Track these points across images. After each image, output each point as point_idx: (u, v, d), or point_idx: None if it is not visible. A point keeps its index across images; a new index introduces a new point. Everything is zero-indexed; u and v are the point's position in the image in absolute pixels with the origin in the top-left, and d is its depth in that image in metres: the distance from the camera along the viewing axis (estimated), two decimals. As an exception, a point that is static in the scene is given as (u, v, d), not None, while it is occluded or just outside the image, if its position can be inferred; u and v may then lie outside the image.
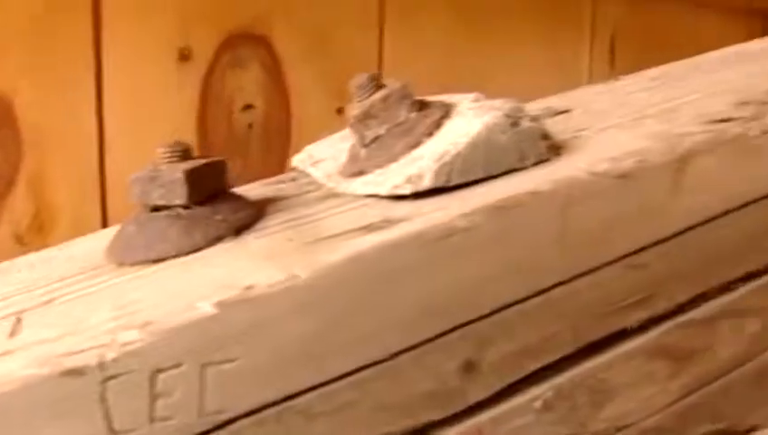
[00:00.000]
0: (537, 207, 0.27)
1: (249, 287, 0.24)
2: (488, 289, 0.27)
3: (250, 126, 0.59)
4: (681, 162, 0.30)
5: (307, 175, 0.38)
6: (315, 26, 0.60)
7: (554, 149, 0.32)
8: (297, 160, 0.40)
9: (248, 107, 0.58)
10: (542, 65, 0.70)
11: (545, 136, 0.31)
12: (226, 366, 0.24)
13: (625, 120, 0.36)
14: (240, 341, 0.24)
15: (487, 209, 0.26)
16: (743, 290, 0.34)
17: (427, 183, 0.29)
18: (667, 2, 0.76)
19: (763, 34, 0.75)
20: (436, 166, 0.29)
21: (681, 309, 0.32)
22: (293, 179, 0.39)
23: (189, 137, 0.57)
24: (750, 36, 0.74)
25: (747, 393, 0.36)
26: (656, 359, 0.32)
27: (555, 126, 0.38)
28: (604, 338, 0.30)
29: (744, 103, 0.34)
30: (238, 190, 0.36)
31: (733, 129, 0.32)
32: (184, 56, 0.56)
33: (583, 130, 0.36)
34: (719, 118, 0.33)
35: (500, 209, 0.27)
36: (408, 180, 0.29)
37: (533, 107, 0.43)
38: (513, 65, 0.69)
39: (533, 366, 0.29)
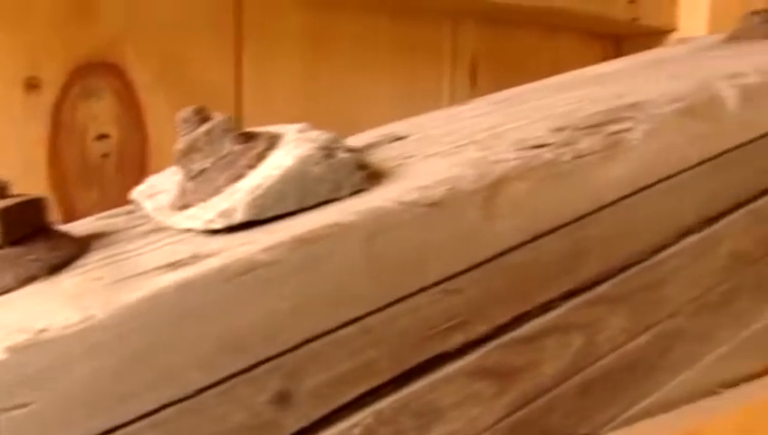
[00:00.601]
0: (342, 238, 0.28)
1: (42, 330, 0.24)
2: (297, 321, 0.27)
3: (105, 155, 0.57)
4: (492, 189, 0.31)
5: (142, 208, 0.38)
6: (170, 53, 0.60)
7: (374, 178, 0.33)
8: (136, 192, 0.40)
9: (102, 136, 0.57)
10: (404, 93, 0.71)
11: (362, 166, 0.32)
12: (18, 412, 0.23)
13: (451, 147, 0.37)
14: (32, 386, 0.23)
15: (291, 242, 0.27)
16: (565, 308, 0.36)
17: (239, 217, 0.29)
18: (525, 26, 0.79)
19: (616, 56, 0.78)
20: (248, 199, 0.29)
21: (502, 330, 0.33)
22: (129, 213, 0.39)
23: (40, 168, 0.56)
24: (605, 58, 0.78)
25: (575, 405, 0.37)
26: (479, 379, 0.33)
27: (388, 152, 0.39)
28: (424, 362, 0.31)
29: (561, 129, 0.36)
30: (66, 226, 0.36)
31: (545, 154, 0.34)
32: (32, 86, 0.54)
33: (411, 157, 0.36)
34: (534, 144, 0.34)
35: (304, 242, 0.27)
36: (221, 214, 0.29)
37: (375, 133, 0.44)
38: (374, 93, 0.70)
39: (352, 394, 0.29)
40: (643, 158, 0.37)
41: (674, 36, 0.82)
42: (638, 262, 0.39)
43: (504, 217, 0.32)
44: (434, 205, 0.30)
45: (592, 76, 0.52)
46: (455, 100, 0.73)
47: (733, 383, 0.47)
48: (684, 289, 0.42)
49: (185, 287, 0.25)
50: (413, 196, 0.30)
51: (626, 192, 0.37)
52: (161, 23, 0.59)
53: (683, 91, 0.40)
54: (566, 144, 0.35)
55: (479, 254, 0.31)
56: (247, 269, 0.26)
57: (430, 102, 0.71)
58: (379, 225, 0.29)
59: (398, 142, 0.41)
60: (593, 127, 0.36)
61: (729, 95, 0.42)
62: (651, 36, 0.82)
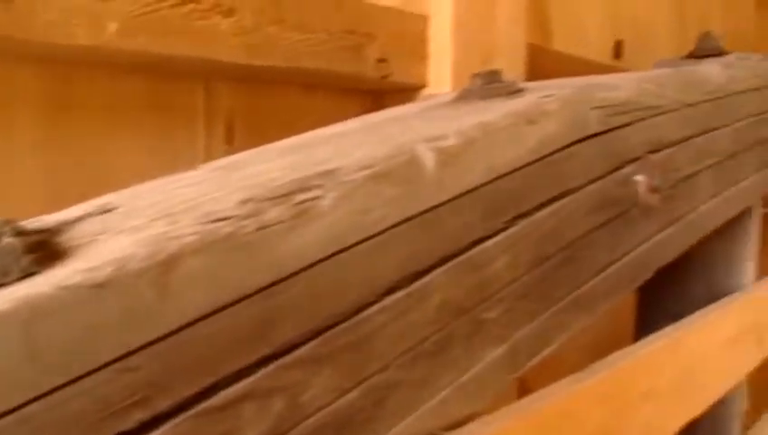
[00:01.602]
0: (-7, 328, 0.27)
1: None
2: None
3: None
4: (163, 266, 0.32)
5: None
6: None
7: (50, 259, 0.32)
8: None
9: None
10: (157, 155, 0.71)
11: (33, 249, 0.32)
12: None
13: (145, 221, 0.37)
14: None
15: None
16: (261, 373, 0.37)
17: None
18: (283, 85, 0.81)
19: (377, 110, 0.81)
20: None
21: (191, 402, 0.34)
22: None
23: None
24: (364, 113, 0.81)
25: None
26: (169, 453, 0.33)
27: (87, 227, 0.39)
28: (102, 443, 0.31)
29: (247, 201, 0.37)
30: None
31: (225, 228, 0.35)
32: None
33: (104, 233, 0.37)
34: (217, 217, 0.35)
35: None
36: None
37: (91, 204, 0.44)
38: (126, 157, 0.69)
39: (18, 484, 0.29)
40: (334, 224, 0.39)
41: (425, 92, 0.87)
42: (341, 322, 0.40)
43: (180, 293, 0.33)
44: (99, 286, 0.30)
45: (321, 138, 0.54)
46: (211, 159, 0.73)
47: (455, 425, 0.50)
48: (394, 343, 0.44)
49: None
50: (77, 278, 0.30)
51: (318, 257, 0.38)
52: None
53: (379, 155, 0.43)
54: (250, 216, 0.36)
55: (155, 331, 0.32)
56: None
57: (185, 164, 0.71)
58: (37, 311, 0.28)
59: (105, 215, 0.41)
60: (281, 197, 0.38)
61: (428, 157, 0.45)
62: (406, 92, 0.87)
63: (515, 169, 0.53)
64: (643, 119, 0.73)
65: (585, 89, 0.66)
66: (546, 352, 0.60)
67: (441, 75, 0.85)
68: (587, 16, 1.35)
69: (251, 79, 0.76)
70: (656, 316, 1.00)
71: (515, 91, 0.64)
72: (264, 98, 0.79)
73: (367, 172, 0.41)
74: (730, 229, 1.07)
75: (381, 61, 0.80)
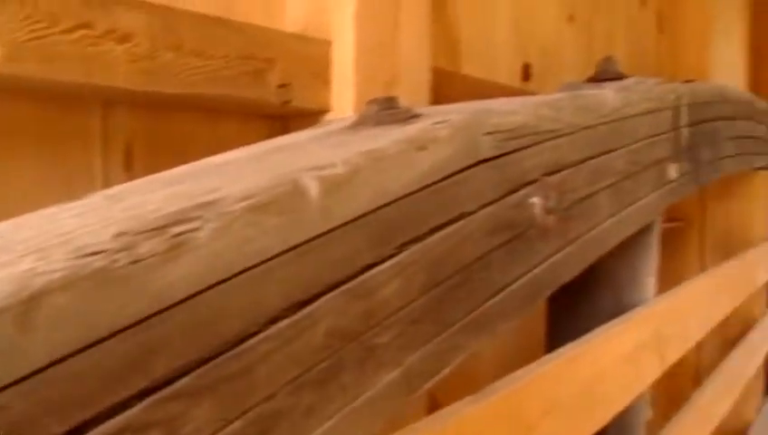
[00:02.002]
0: None
1: None
2: None
3: None
4: (27, 304, 0.32)
5: None
6: None
7: None
8: None
9: None
10: (52, 182, 0.69)
11: None
12: None
13: (16, 256, 0.36)
14: None
15: None
16: (139, 407, 0.36)
17: None
18: (183, 110, 0.80)
19: (282, 134, 0.81)
20: None
21: (65, 439, 0.34)
22: None
23: None
24: (270, 137, 0.81)
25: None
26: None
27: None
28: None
29: (122, 234, 0.37)
30: None
31: (96, 262, 0.35)
32: None
33: (-29, 269, 0.36)
34: (89, 251, 0.35)
35: None
36: None
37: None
38: (17, 185, 0.68)
39: None
40: (212, 255, 0.39)
41: (328, 117, 0.88)
42: (223, 352, 0.41)
43: (46, 330, 0.32)
44: (-44, 327, 0.30)
45: (209, 167, 0.54)
46: (109, 186, 0.73)
47: (350, 450, 0.50)
48: (279, 372, 0.44)
49: None
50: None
51: (196, 289, 0.38)
52: None
53: (262, 185, 0.43)
54: (124, 249, 0.36)
55: (19, 369, 0.31)
56: None
57: (81, 190, 0.70)
58: None
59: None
60: (156, 229, 0.38)
61: (312, 186, 0.46)
62: (310, 117, 0.87)
63: (405, 196, 0.54)
64: (539, 142, 0.75)
65: (479, 114, 0.67)
66: (443, 374, 0.61)
67: (344, 100, 0.86)
68: (495, 40, 1.38)
69: (150, 104, 0.76)
70: (566, 331, 1.02)
71: (411, 117, 0.65)
72: (165, 123, 0.79)
73: (247, 203, 0.41)
74: (633, 245, 1.11)
75: (282, 86, 0.80)
